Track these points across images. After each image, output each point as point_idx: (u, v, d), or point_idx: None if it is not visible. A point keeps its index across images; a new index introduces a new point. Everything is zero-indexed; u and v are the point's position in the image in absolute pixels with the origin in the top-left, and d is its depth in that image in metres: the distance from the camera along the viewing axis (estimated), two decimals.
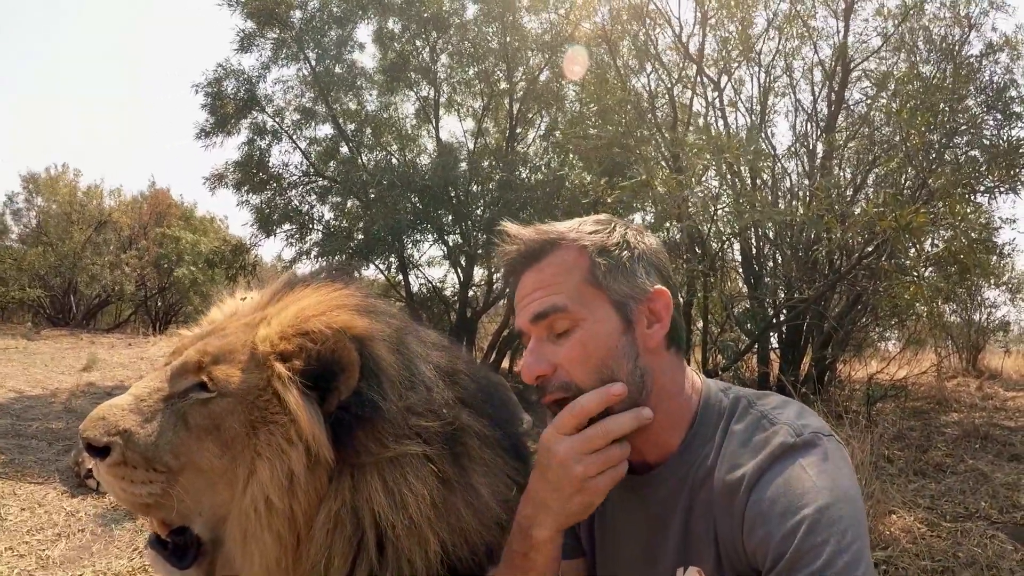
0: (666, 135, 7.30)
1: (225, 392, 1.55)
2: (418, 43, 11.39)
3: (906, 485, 5.07)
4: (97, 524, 5.05)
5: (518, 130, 11.84)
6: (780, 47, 7.70)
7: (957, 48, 6.48)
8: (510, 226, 1.50)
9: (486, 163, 11.16)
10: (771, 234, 7.42)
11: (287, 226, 12.12)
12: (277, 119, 12.19)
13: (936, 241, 5.84)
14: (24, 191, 22.27)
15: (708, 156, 5.97)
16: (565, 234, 1.45)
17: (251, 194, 12.20)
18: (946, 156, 5.65)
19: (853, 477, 1.28)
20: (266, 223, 12.05)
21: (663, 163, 7.09)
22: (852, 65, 6.98)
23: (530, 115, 11.99)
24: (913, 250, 5.74)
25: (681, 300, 1.56)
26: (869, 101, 7.14)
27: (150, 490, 1.52)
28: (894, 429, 6.44)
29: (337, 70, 11.71)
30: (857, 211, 5.54)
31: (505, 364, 12.43)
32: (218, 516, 1.58)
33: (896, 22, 6.69)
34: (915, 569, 3.72)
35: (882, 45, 6.95)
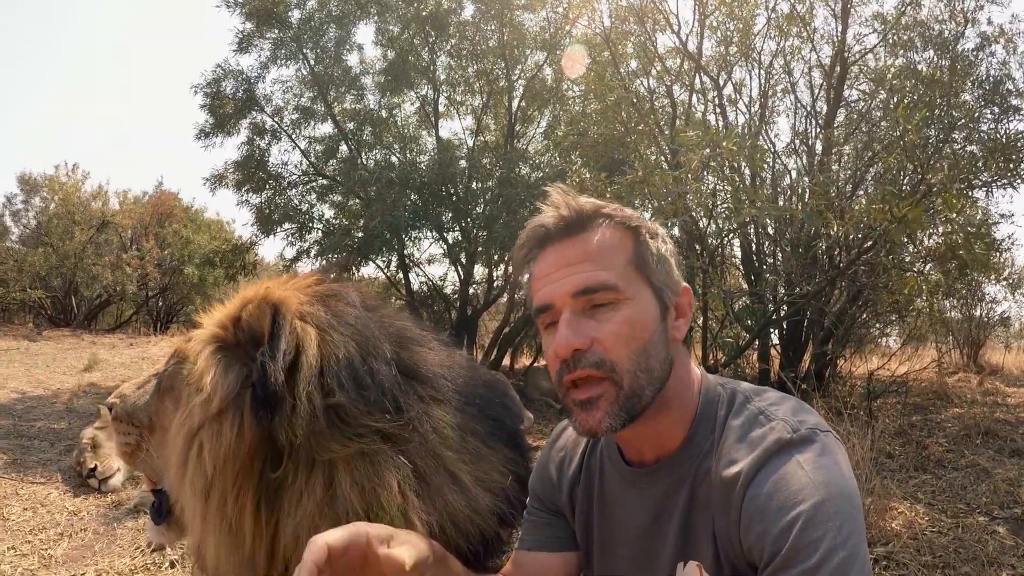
0: (665, 131, 7.30)
1: (182, 358, 1.75)
2: (416, 42, 11.38)
3: (907, 480, 5.08)
4: (99, 523, 5.08)
5: (518, 128, 11.84)
6: (780, 46, 7.70)
7: (953, 43, 6.47)
8: (556, 192, 1.46)
9: (486, 160, 11.16)
10: (771, 230, 7.42)
11: (287, 225, 12.13)
12: (276, 119, 12.20)
13: (934, 236, 5.84)
14: (21, 192, 22.31)
15: (706, 151, 5.96)
16: (611, 212, 1.43)
17: (251, 194, 12.23)
18: (945, 151, 5.64)
19: (850, 473, 1.28)
20: (266, 222, 12.08)
21: (663, 160, 7.09)
22: (850, 62, 6.97)
23: (530, 112, 12.00)
24: (910, 244, 5.74)
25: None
26: (867, 98, 7.15)
27: (126, 440, 1.90)
28: (895, 425, 6.45)
29: (336, 70, 11.71)
30: (856, 207, 5.53)
31: (507, 361, 12.43)
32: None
33: (892, 20, 6.69)
34: (916, 564, 3.72)
35: (879, 43, 6.94)
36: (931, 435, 6.28)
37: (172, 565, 4.21)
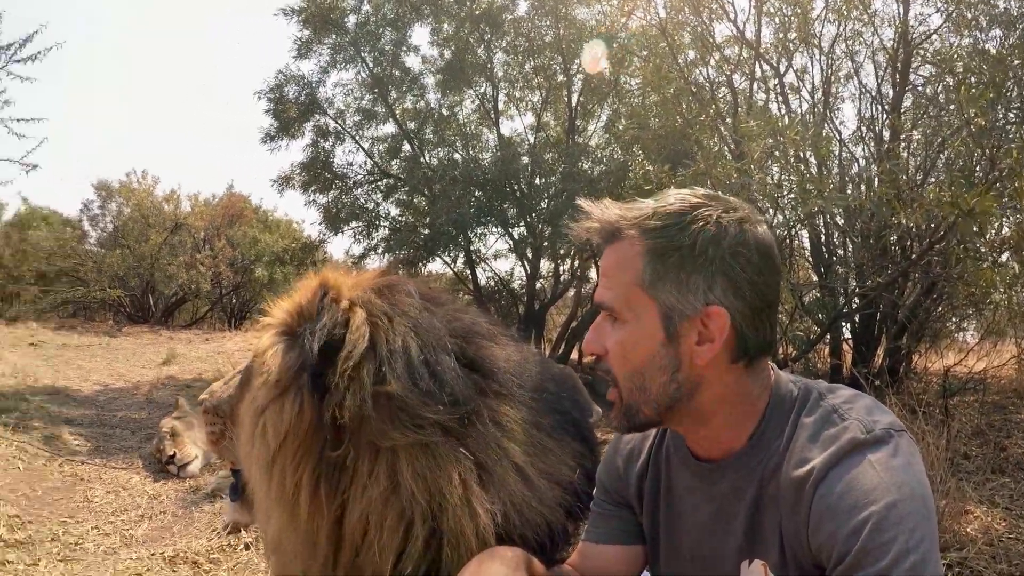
0: (727, 120, 7.15)
1: (256, 353, 1.79)
2: (472, 40, 11.41)
3: (984, 483, 4.83)
4: (178, 506, 5.29)
5: (578, 122, 11.80)
6: (840, 30, 7.46)
7: (1020, 20, 6.16)
8: (585, 203, 1.46)
9: (548, 156, 11.14)
10: (840, 220, 7.21)
11: (354, 223, 12.38)
12: (339, 121, 12.46)
13: (1009, 225, 5.58)
14: (98, 198, 23.14)
15: (768, 141, 5.81)
16: (627, 227, 1.37)
17: (318, 194, 12.52)
18: (1014, 135, 5.36)
19: (924, 475, 1.25)
20: (334, 221, 12.39)
21: (726, 151, 6.95)
22: (914, 44, 6.71)
23: (590, 106, 11.91)
24: (980, 235, 5.50)
25: (770, 303, 1.43)
26: (934, 81, 6.87)
27: (212, 430, 2.15)
28: (972, 424, 6.19)
29: (395, 71, 11.86)
30: (926, 196, 5.32)
31: (575, 355, 12.42)
32: None
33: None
34: (991, 572, 3.56)
35: (943, 23, 6.67)
36: (1010, 436, 6.00)
37: (247, 547, 4.31)
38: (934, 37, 6.83)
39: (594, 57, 9.61)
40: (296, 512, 1.60)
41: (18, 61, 9.02)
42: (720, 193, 1.43)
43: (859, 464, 1.22)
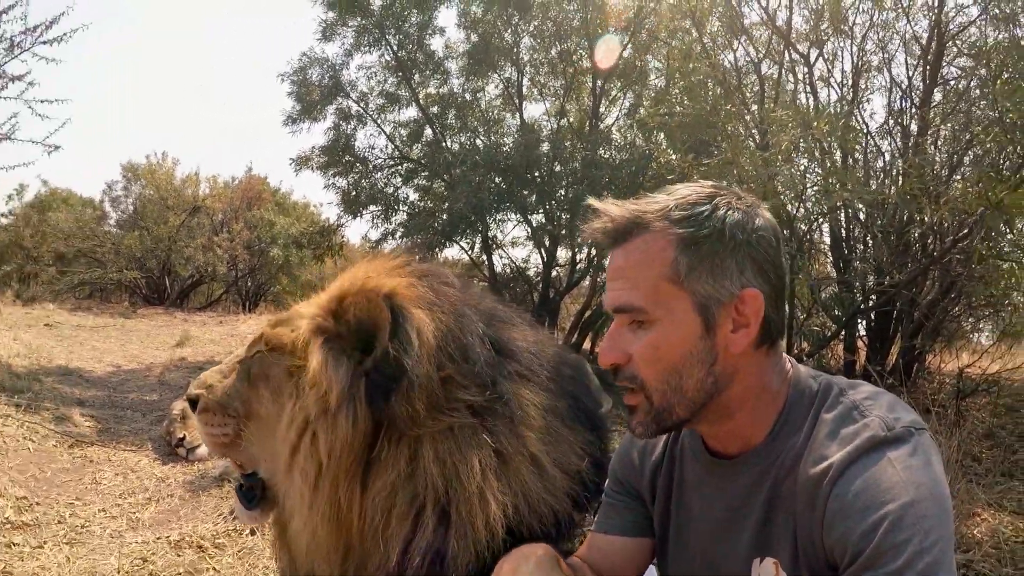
0: (754, 110, 7.14)
1: (274, 347, 1.79)
2: (499, 24, 11.40)
3: (993, 486, 4.79)
4: (185, 490, 5.28)
5: (601, 109, 11.76)
6: (873, 19, 7.42)
7: None
8: (596, 202, 1.43)
9: (568, 143, 11.12)
10: (862, 215, 7.18)
11: (373, 207, 12.40)
12: (362, 104, 12.49)
13: None
14: (123, 179, 23.43)
15: (795, 131, 5.79)
16: (652, 219, 1.36)
17: (337, 177, 12.57)
18: None
19: (942, 474, 1.23)
20: (352, 204, 12.42)
21: (751, 141, 6.93)
22: (948, 36, 6.67)
23: (613, 93, 11.88)
24: (1008, 232, 5.47)
25: (785, 285, 1.44)
26: (966, 76, 6.82)
27: (223, 431, 1.86)
28: (984, 426, 6.13)
29: (419, 55, 11.86)
30: (952, 192, 5.29)
31: (587, 345, 12.40)
32: (273, 460, 1.80)
33: None
34: (997, 575, 3.54)
35: (979, 15, 6.61)
36: (1022, 439, 5.99)
37: (252, 532, 4.32)
38: (970, 29, 6.76)
39: (607, 51, 9.60)
40: (346, 522, 1.59)
41: (44, 43, 9.03)
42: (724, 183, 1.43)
43: (878, 462, 1.20)
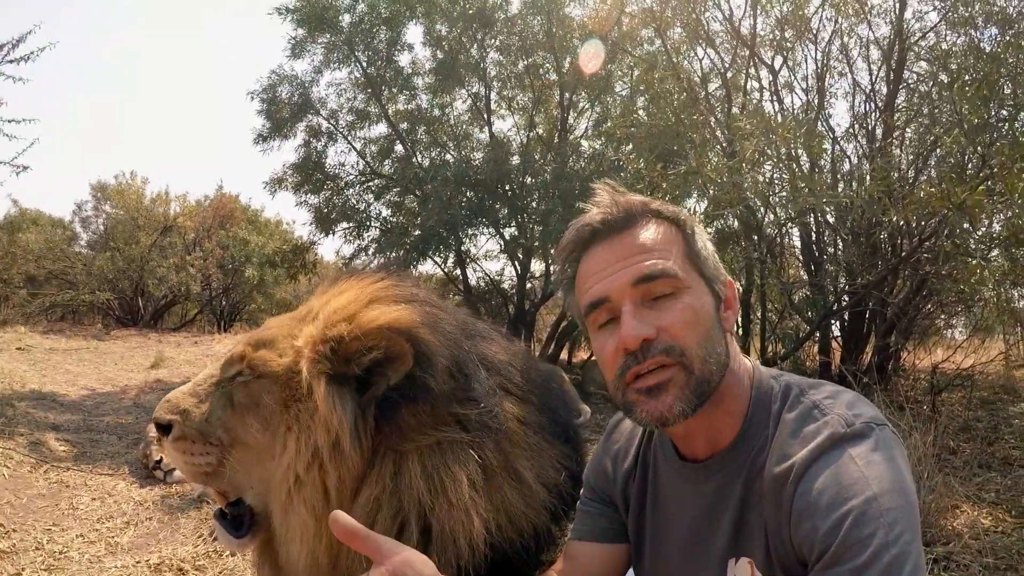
0: (719, 117, 7.19)
1: (262, 374, 1.71)
2: (464, 40, 11.44)
3: (970, 478, 4.85)
4: (163, 513, 5.25)
5: (570, 121, 11.82)
6: (837, 26, 7.51)
7: (1017, 20, 6.22)
8: (603, 189, 1.49)
9: (538, 155, 11.15)
10: (831, 218, 7.26)
11: (345, 224, 12.41)
12: (332, 121, 12.50)
13: (999, 222, 5.61)
14: (93, 199, 23.16)
15: (760, 139, 5.84)
16: (660, 207, 1.46)
17: (309, 195, 12.55)
18: (1005, 131, 5.41)
19: (906, 468, 1.24)
20: (325, 222, 12.41)
21: (718, 148, 6.98)
22: (909, 42, 6.77)
23: (581, 104, 11.96)
24: (972, 230, 5.55)
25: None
26: (928, 78, 6.92)
27: (207, 460, 1.74)
28: (959, 420, 6.23)
29: (388, 71, 11.86)
30: (917, 193, 5.35)
31: (564, 356, 12.43)
32: (266, 488, 1.73)
33: None
34: (978, 566, 3.56)
35: (939, 20, 6.72)
36: (997, 431, 6.05)
37: (233, 554, 4.29)
38: (930, 35, 6.88)
39: (589, 56, 9.65)
40: (338, 544, 1.56)
41: (11, 61, 8.93)
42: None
43: (839, 459, 1.22)
